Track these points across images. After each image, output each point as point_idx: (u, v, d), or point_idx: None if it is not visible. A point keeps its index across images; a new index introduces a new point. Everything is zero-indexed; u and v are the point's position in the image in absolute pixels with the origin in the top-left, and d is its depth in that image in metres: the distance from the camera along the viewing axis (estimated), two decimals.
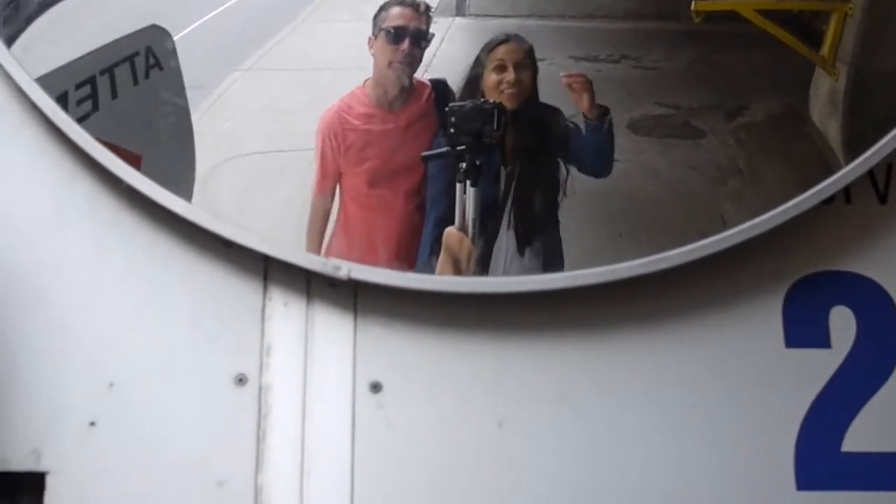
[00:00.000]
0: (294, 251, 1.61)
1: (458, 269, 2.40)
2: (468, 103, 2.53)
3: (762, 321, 1.69)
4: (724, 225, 3.51)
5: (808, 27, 4.17)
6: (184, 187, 2.17)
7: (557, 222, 2.79)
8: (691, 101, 4.23)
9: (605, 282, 1.61)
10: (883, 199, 1.80)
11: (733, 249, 1.64)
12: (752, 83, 4.38)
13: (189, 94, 2.31)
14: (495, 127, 2.46)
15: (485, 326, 1.63)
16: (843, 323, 1.72)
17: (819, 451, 1.64)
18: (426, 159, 2.65)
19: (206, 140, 2.73)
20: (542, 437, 1.61)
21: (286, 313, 1.62)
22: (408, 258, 2.82)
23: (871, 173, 1.77)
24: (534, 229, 2.68)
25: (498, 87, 2.61)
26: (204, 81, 3.83)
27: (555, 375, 1.63)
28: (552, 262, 2.75)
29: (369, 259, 2.90)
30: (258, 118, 4.05)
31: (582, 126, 2.72)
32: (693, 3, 3.92)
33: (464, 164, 2.43)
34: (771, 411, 1.66)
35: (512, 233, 2.66)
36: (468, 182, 2.43)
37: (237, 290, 1.63)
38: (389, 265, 2.80)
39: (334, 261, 1.58)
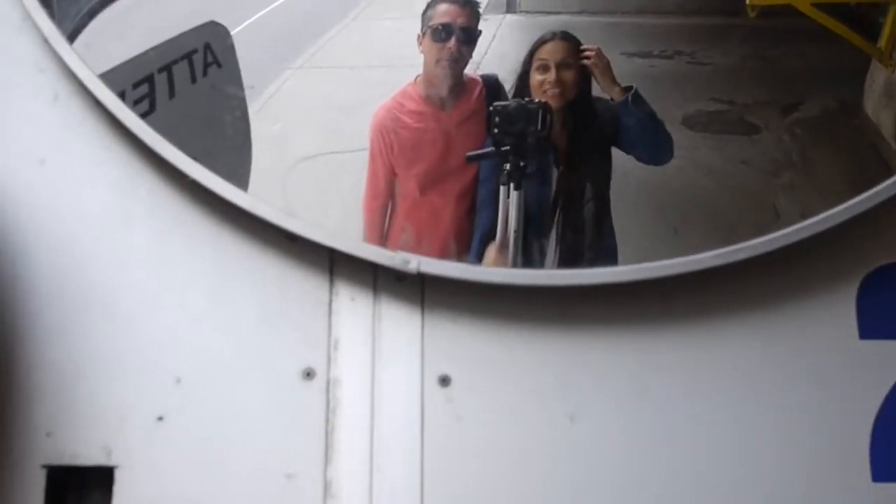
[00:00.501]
0: (361, 245, 1.59)
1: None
2: (512, 103, 2.53)
3: (836, 312, 1.66)
4: (778, 216, 3.55)
5: (864, 19, 4.16)
6: (241, 182, 2.17)
7: (612, 228, 2.77)
8: (746, 97, 4.24)
9: (680, 273, 1.58)
10: None
11: (807, 240, 1.61)
12: (807, 78, 4.38)
13: None
14: (539, 127, 2.45)
15: (555, 319, 1.61)
16: None
17: (894, 442, 1.61)
18: (471, 160, 2.65)
19: (257, 144, 2.73)
20: (613, 431, 1.59)
21: (353, 308, 1.61)
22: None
23: None
24: (582, 235, 2.67)
25: (541, 87, 2.61)
26: (254, 82, 3.85)
27: (627, 368, 1.60)
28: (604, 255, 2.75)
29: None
30: (312, 117, 4.08)
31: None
32: None
33: (507, 166, 2.41)
34: (845, 403, 1.62)
35: (559, 244, 2.65)
36: (511, 185, 2.41)
37: (303, 284, 1.62)
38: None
39: (403, 254, 1.56)
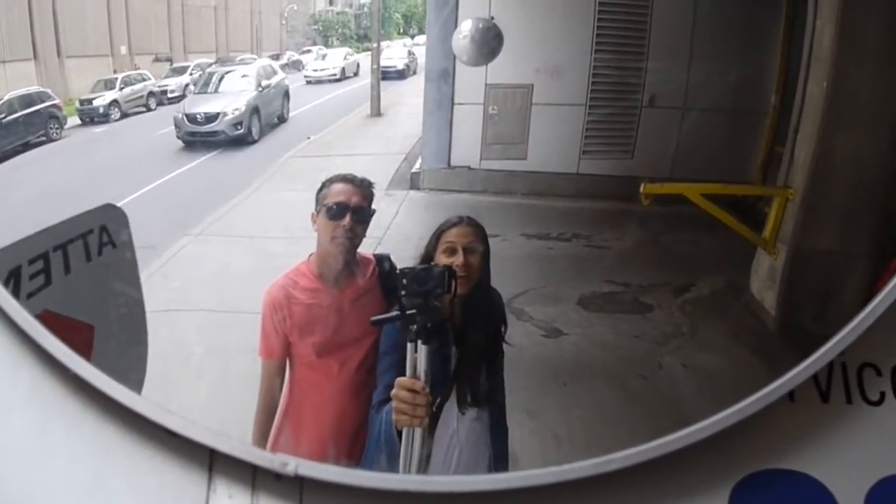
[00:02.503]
0: (240, 446, 1.58)
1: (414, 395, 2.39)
2: (418, 266, 2.56)
3: None
4: (661, 367, 3.67)
5: (751, 210, 4.36)
6: (131, 371, 2.18)
7: (503, 389, 2.81)
8: (640, 279, 4.39)
9: (553, 483, 1.60)
10: (825, 397, 1.81)
11: (679, 450, 1.64)
12: (698, 262, 4.55)
13: (139, 253, 2.33)
14: (446, 289, 2.48)
15: None
16: None
17: None
18: (375, 324, 2.67)
19: (158, 296, 2.74)
20: None
21: None
22: (353, 429, 2.82)
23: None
24: (477, 395, 2.70)
25: None
26: (154, 242, 3.87)
27: None
28: (498, 425, 2.77)
29: (316, 428, 2.90)
30: (208, 280, 4.09)
31: None
32: (642, 186, 4.07)
33: (414, 326, 2.44)
34: None
35: (456, 398, 2.67)
36: (419, 341, 2.44)
37: (181, 480, 1.60)
38: (337, 445, 2.81)
39: (281, 456, 1.56)
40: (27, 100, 5.28)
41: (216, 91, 7.52)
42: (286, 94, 7.92)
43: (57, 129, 5.39)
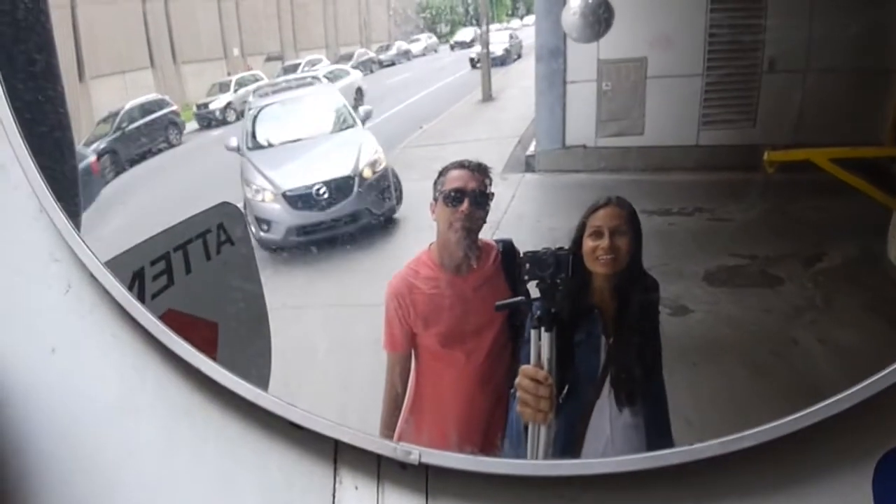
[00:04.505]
0: (364, 436, 1.58)
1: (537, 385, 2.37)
2: (543, 250, 2.53)
3: (852, 495, 1.63)
4: (796, 343, 3.56)
5: (883, 172, 4.20)
6: (255, 366, 2.20)
7: (662, 381, 2.74)
8: (767, 250, 4.24)
9: (682, 462, 1.56)
10: None
11: (817, 423, 1.59)
12: (828, 230, 4.39)
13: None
14: (570, 273, 2.45)
15: None
16: None
17: None
18: (500, 308, 2.66)
19: (280, 290, 2.77)
20: None
21: (357, 497, 1.60)
22: (483, 420, 2.81)
23: None
24: (633, 393, 2.64)
25: (594, 253, 2.58)
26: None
27: None
28: (655, 423, 2.71)
29: (444, 420, 2.91)
30: (331, 274, 4.12)
31: None
32: (766, 153, 3.95)
33: (538, 312, 2.42)
34: None
35: (613, 397, 2.62)
36: (542, 328, 2.41)
37: (307, 472, 1.61)
38: (468, 438, 2.81)
39: (405, 445, 1.55)
40: (147, 108, 5.39)
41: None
42: None
43: (177, 134, 5.46)
